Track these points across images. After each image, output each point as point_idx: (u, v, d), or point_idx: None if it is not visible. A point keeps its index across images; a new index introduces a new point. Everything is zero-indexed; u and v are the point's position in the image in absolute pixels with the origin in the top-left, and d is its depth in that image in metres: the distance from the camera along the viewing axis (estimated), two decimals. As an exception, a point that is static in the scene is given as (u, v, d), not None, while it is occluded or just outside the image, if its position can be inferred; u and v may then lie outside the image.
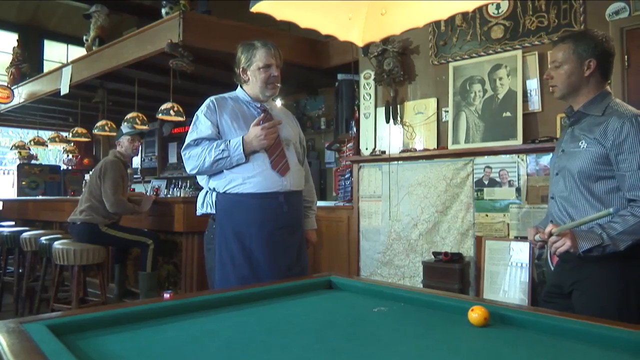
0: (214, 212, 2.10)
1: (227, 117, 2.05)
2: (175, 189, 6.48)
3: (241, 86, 2.15)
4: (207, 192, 2.14)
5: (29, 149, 8.49)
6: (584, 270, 1.61)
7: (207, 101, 2.09)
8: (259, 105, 2.12)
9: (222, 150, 1.96)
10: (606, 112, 1.63)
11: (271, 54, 2.05)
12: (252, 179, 1.99)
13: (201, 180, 2.15)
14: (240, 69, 2.09)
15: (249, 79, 2.09)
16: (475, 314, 1.22)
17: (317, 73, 5.42)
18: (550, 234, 1.55)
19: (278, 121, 2.07)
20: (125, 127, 3.90)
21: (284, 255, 2.04)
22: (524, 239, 3.01)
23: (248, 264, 1.99)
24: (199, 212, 2.18)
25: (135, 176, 8.14)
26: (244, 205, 1.99)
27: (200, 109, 2.09)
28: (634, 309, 1.57)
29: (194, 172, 2.06)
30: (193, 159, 2.01)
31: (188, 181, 6.85)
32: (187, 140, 2.06)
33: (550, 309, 1.63)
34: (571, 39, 1.69)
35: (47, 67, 8.27)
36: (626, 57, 2.74)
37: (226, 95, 2.15)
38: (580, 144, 1.65)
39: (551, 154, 1.94)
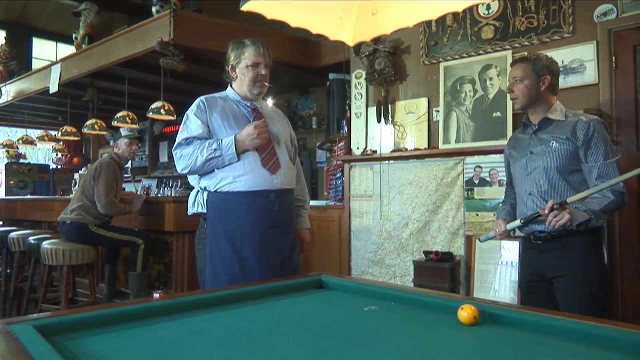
0: (206, 211, 2.09)
1: (218, 116, 2.05)
2: (166, 189, 6.46)
3: (231, 85, 2.16)
4: (198, 191, 2.13)
5: (18, 148, 8.40)
6: (568, 257, 1.88)
7: (197, 101, 2.09)
8: (249, 104, 2.12)
9: (215, 149, 1.96)
10: (568, 117, 1.96)
11: (260, 52, 2.05)
12: (242, 177, 1.98)
13: (192, 180, 2.14)
14: (230, 67, 2.10)
15: (237, 77, 2.10)
16: (465, 313, 1.23)
17: (308, 73, 5.42)
18: (552, 209, 1.76)
19: (266, 122, 2.06)
20: (124, 130, 3.86)
21: (276, 255, 2.03)
22: (514, 238, 3.03)
23: (239, 263, 1.98)
24: (190, 212, 2.17)
25: (126, 176, 8.09)
26: (235, 204, 1.99)
27: (190, 108, 2.08)
28: (608, 291, 1.95)
29: (185, 171, 2.04)
30: (185, 159, 2.00)
31: (179, 181, 6.82)
32: (178, 139, 2.05)
33: (536, 297, 1.97)
34: (529, 60, 2.01)
35: (36, 65, 8.19)
36: (614, 58, 2.77)
37: (216, 95, 2.14)
38: (551, 144, 1.94)
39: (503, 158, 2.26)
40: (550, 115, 1.98)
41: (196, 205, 2.13)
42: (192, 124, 2.04)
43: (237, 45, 2.09)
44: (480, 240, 2.25)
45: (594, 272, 1.87)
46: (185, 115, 2.08)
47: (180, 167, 2.04)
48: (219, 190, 2.01)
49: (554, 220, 1.76)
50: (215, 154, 1.96)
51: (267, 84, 2.10)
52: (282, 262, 2.05)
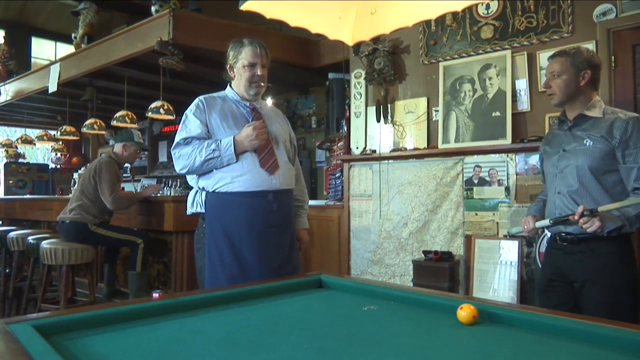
0: (204, 211, 2.09)
1: (217, 116, 2.05)
2: (165, 188, 6.45)
3: (230, 85, 2.15)
4: (197, 191, 2.13)
5: (16, 148, 8.39)
6: (593, 262, 1.82)
7: (196, 100, 2.09)
8: (248, 104, 2.12)
9: (213, 150, 1.96)
10: (605, 114, 1.86)
11: (257, 52, 2.04)
12: (240, 177, 1.98)
13: (191, 179, 2.14)
14: (228, 66, 2.10)
15: (235, 76, 2.10)
16: (464, 312, 1.23)
17: (308, 72, 5.41)
18: (582, 215, 1.73)
19: (265, 123, 2.06)
20: (135, 136, 3.84)
21: (274, 255, 2.03)
22: (513, 237, 3.03)
23: (237, 263, 1.98)
24: (189, 211, 2.17)
25: (125, 175, 8.09)
26: (233, 204, 1.99)
27: (189, 108, 2.08)
28: (637, 291, 1.82)
29: (183, 171, 2.04)
30: (183, 158, 2.00)
31: (178, 180, 6.81)
32: (177, 139, 2.05)
33: (552, 296, 1.92)
34: (567, 54, 1.91)
35: (35, 64, 8.17)
36: (613, 57, 2.77)
37: (215, 94, 2.14)
38: (585, 142, 1.85)
39: (539, 155, 2.08)
40: (586, 112, 1.88)
41: (195, 205, 2.13)
42: (190, 123, 2.04)
43: (235, 44, 2.09)
44: (508, 233, 2.23)
45: (619, 278, 1.79)
46: (184, 114, 2.08)
47: (179, 166, 2.04)
48: (216, 190, 2.01)
49: (584, 227, 1.73)
50: (214, 154, 1.96)
51: (263, 84, 2.10)
52: (281, 261, 2.05)
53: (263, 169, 2.01)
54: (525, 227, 2.02)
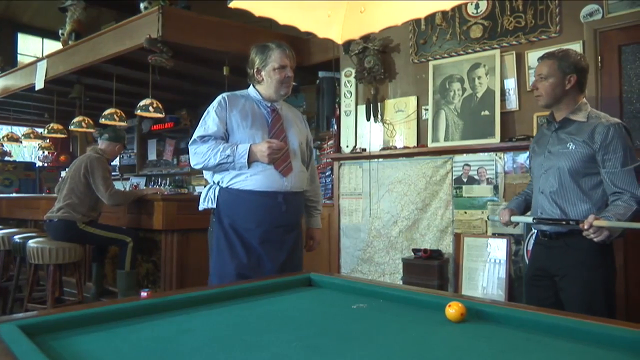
0: (215, 206, 2.12)
1: (237, 114, 2.11)
2: (154, 187, 6.41)
3: (254, 86, 2.20)
4: (210, 187, 2.18)
5: (2, 145, 8.28)
6: (569, 257, 1.88)
7: (219, 97, 2.15)
8: (269, 104, 2.18)
9: (227, 156, 2.02)
10: (589, 119, 1.90)
11: (286, 54, 2.13)
12: (254, 176, 2.05)
13: (207, 174, 2.21)
14: (255, 70, 2.15)
15: (263, 79, 2.15)
16: (452, 310, 1.24)
17: (298, 70, 5.37)
18: (591, 225, 1.74)
19: (284, 144, 2.10)
20: (109, 131, 3.83)
21: (279, 252, 2.10)
22: (501, 235, 3.06)
23: (246, 255, 2.04)
24: (200, 207, 2.21)
25: (113, 173, 8.00)
26: (243, 202, 2.05)
27: (212, 104, 2.14)
28: (612, 285, 1.89)
29: (198, 167, 2.12)
30: (198, 156, 2.08)
31: (168, 178, 6.77)
32: (195, 135, 2.11)
33: (536, 290, 1.98)
34: (555, 57, 1.94)
35: (22, 61, 8.06)
36: (599, 58, 2.81)
37: (238, 92, 2.21)
38: (568, 145, 1.90)
39: (527, 154, 2.14)
40: (571, 116, 1.93)
41: (207, 200, 2.18)
42: (210, 120, 2.10)
43: (261, 48, 2.14)
44: (488, 217, 2.27)
45: (595, 275, 1.83)
46: (206, 110, 2.14)
47: (194, 162, 2.12)
48: (229, 187, 2.08)
49: (592, 235, 1.74)
50: (228, 159, 2.03)
51: (292, 85, 2.19)
52: (285, 259, 2.11)
53: (277, 170, 2.07)
54: (501, 218, 2.10)
